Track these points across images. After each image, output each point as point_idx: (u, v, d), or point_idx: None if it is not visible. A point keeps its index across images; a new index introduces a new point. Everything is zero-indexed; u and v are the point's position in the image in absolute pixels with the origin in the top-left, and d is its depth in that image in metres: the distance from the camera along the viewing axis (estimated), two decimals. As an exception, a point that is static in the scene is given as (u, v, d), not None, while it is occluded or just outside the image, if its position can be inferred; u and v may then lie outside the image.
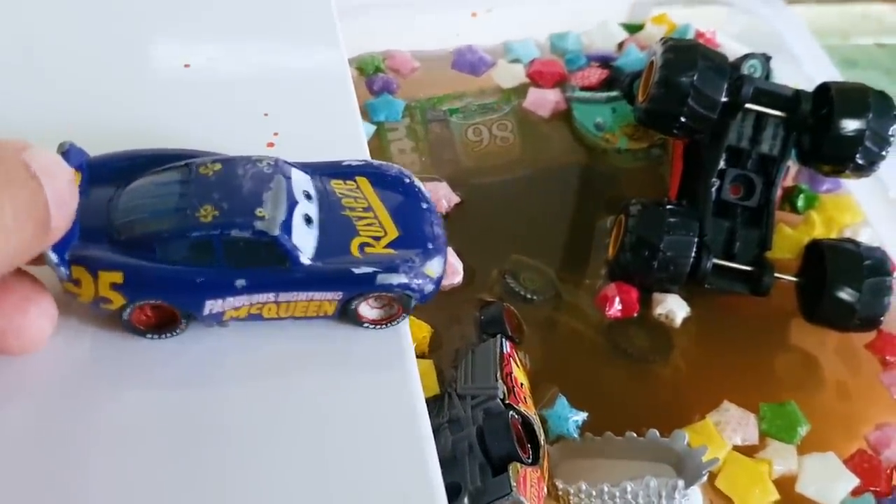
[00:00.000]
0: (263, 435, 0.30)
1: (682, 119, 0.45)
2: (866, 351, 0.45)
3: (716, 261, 0.45)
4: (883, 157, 0.45)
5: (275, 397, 0.31)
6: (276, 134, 0.40)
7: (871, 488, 0.40)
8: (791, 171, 0.52)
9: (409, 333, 0.33)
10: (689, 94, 0.44)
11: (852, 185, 0.51)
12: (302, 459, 0.30)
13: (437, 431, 0.39)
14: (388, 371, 0.33)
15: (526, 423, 0.39)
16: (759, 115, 0.47)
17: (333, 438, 0.30)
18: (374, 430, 0.31)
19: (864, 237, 0.48)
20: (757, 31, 0.59)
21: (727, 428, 0.41)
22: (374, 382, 0.33)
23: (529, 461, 0.37)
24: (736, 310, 0.47)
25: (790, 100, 0.46)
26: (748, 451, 0.41)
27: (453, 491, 0.36)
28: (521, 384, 0.42)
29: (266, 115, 0.41)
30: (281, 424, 0.30)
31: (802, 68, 0.54)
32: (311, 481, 0.29)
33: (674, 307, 0.44)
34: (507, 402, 0.39)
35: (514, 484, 0.35)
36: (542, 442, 0.38)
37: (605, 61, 0.56)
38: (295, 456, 0.30)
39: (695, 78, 0.44)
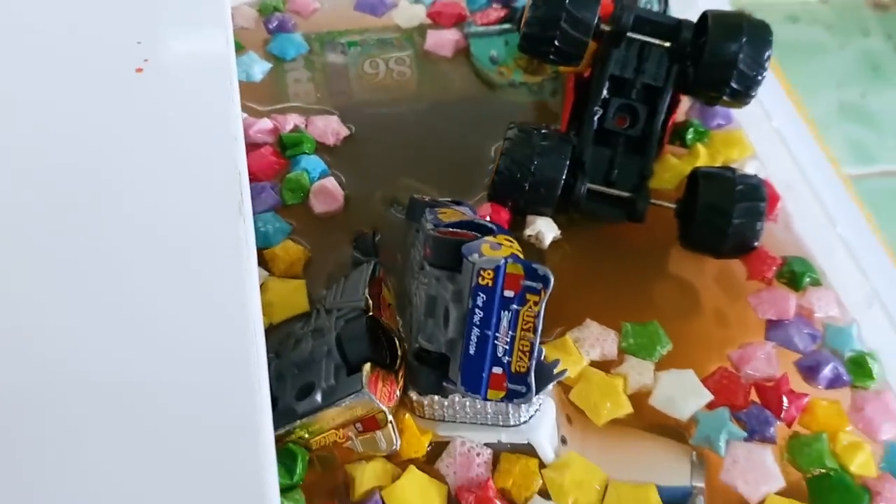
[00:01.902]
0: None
1: (557, 43, 0.45)
2: (745, 278, 0.45)
3: (592, 186, 0.46)
4: (758, 82, 0.45)
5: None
6: (146, 60, 0.41)
7: (728, 404, 0.40)
8: (683, 107, 0.52)
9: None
10: (561, 17, 0.45)
11: (743, 121, 0.51)
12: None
13: (300, 340, 0.40)
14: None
15: (388, 336, 0.39)
16: (643, 44, 0.47)
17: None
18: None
19: (751, 170, 0.49)
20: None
21: (585, 343, 0.41)
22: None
23: (386, 365, 0.38)
24: (619, 240, 0.47)
25: (673, 28, 0.47)
26: (606, 366, 0.41)
27: (307, 390, 0.37)
28: (390, 305, 0.43)
29: (139, 42, 0.42)
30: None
31: (698, 4, 0.54)
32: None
33: (543, 228, 0.45)
34: (371, 314, 0.39)
35: (365, 382, 0.36)
36: (400, 354, 0.39)
37: (506, 2, 0.56)
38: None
39: (567, 0, 0.45)
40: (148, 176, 0.36)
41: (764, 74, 0.46)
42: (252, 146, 0.47)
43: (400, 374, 0.38)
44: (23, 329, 0.32)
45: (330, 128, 0.49)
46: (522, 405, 0.38)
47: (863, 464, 0.38)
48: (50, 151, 0.36)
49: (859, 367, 0.41)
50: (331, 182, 0.46)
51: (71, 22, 0.41)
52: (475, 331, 0.35)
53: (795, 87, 0.74)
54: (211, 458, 0.30)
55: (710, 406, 0.40)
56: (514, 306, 0.34)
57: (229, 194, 0.36)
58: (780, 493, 0.37)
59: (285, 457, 0.36)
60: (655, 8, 0.53)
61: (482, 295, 0.34)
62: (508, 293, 0.34)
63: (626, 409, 0.40)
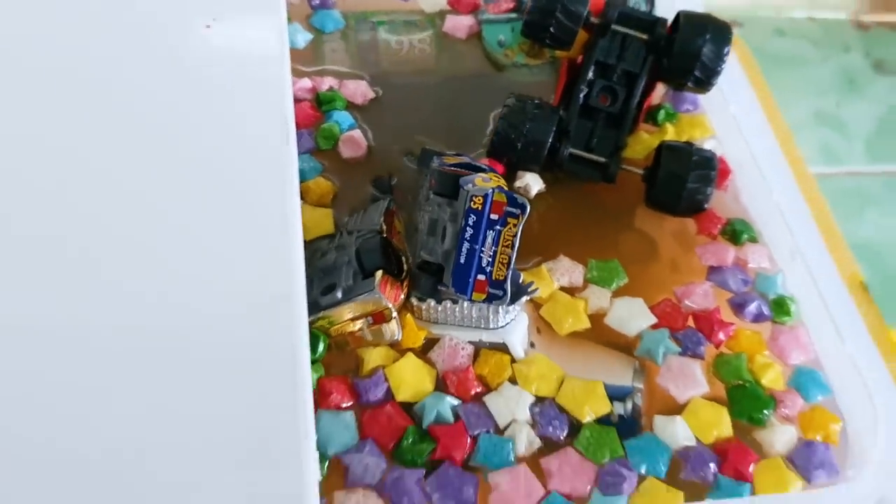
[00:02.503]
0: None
1: (552, 30, 0.55)
2: (695, 233, 0.55)
3: (574, 150, 0.55)
4: (718, 73, 0.55)
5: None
6: (214, 20, 0.51)
7: (668, 326, 0.49)
8: (659, 93, 0.61)
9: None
10: (557, 8, 0.54)
11: (707, 107, 0.60)
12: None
13: (326, 253, 0.49)
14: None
15: (397, 254, 0.49)
16: (625, 36, 0.56)
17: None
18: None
19: (709, 147, 0.58)
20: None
21: (556, 273, 0.50)
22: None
23: (394, 274, 0.47)
24: (594, 196, 0.56)
25: (651, 24, 0.56)
26: (572, 291, 0.50)
27: (330, 288, 0.46)
28: (399, 232, 0.52)
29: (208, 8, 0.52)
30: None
31: (677, 7, 0.63)
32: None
33: (530, 181, 0.54)
34: (384, 235, 0.48)
35: (376, 284, 0.45)
36: (406, 269, 0.48)
37: (516, -6, 0.65)
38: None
39: (562, -5, 0.54)
40: (214, 108, 0.46)
41: (723, 66, 0.55)
42: (294, 101, 0.57)
43: (404, 283, 0.48)
44: (92, 247, 0.41)
45: (359, 90, 0.58)
46: (500, 312, 0.47)
47: (773, 379, 0.47)
48: (135, 81, 0.46)
49: (780, 307, 0.50)
50: (357, 134, 0.56)
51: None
52: (465, 245, 0.44)
53: (777, 93, 0.83)
54: (258, 331, 0.39)
55: (654, 327, 0.49)
56: (498, 227, 0.44)
57: (279, 127, 0.46)
58: (704, 398, 0.47)
59: (310, 338, 0.45)
60: (643, 8, 0.62)
61: (473, 216, 0.44)
62: (494, 216, 0.44)
63: (585, 324, 0.49)
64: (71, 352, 0.37)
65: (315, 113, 0.57)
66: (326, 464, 0.42)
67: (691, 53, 0.54)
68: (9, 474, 0.34)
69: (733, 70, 0.86)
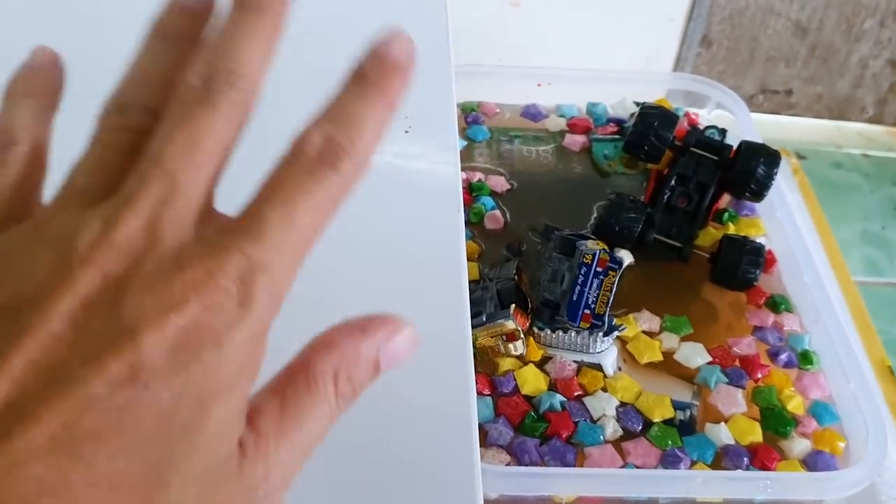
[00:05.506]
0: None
1: (646, 148, 0.75)
2: (745, 302, 0.73)
3: (657, 236, 0.74)
4: (768, 187, 0.74)
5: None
6: (410, 127, 0.73)
7: (720, 364, 0.67)
8: (725, 199, 0.80)
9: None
10: (650, 133, 0.75)
11: (761, 213, 0.79)
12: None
13: (473, 291, 0.69)
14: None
15: (523, 296, 0.68)
16: (700, 156, 0.76)
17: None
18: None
19: (761, 241, 0.76)
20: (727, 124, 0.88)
21: (640, 321, 0.69)
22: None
23: (523, 308, 0.67)
24: (671, 271, 0.75)
25: (720, 148, 0.76)
26: (650, 334, 0.69)
27: (477, 315, 0.66)
28: (525, 283, 0.72)
29: (406, 117, 0.74)
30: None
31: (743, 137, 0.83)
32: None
33: (623, 256, 0.73)
34: (516, 282, 0.68)
35: (511, 314, 0.65)
36: (530, 307, 0.68)
37: (619, 122, 0.86)
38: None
39: (655, 123, 0.74)
40: (415, 185, 0.67)
41: (772, 183, 0.74)
42: (452, 187, 0.78)
43: (529, 315, 0.67)
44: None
45: (500, 183, 0.80)
46: (598, 341, 0.66)
47: (795, 406, 0.64)
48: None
49: (805, 358, 0.68)
50: (497, 213, 0.77)
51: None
52: (577, 288, 0.63)
53: (831, 215, 1.02)
54: (452, 334, 0.58)
55: (710, 364, 0.67)
56: (601, 276, 0.63)
57: (454, 199, 0.66)
58: (743, 415, 0.64)
59: (462, 348, 0.65)
60: (716, 136, 0.82)
61: (584, 268, 0.63)
62: (599, 269, 0.63)
63: (659, 357, 0.67)
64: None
65: (468, 197, 0.78)
66: (472, 429, 0.61)
67: (748, 172, 0.74)
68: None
69: (792, 193, 1.06)
